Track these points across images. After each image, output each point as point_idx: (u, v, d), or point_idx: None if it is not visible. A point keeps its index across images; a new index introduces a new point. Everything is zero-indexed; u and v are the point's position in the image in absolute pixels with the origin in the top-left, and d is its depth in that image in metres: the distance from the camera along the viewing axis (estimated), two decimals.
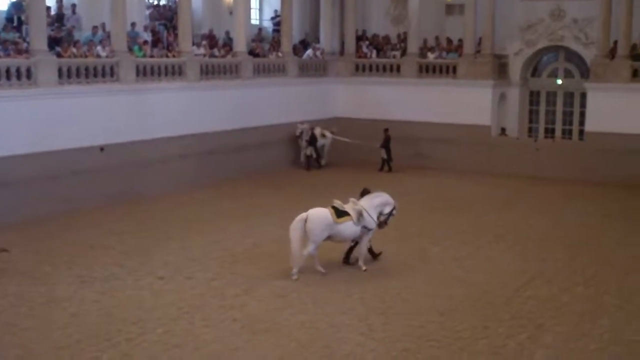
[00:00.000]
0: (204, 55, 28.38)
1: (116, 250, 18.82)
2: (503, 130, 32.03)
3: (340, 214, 16.72)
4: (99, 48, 24.61)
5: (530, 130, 32.66)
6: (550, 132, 32.25)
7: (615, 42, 29.17)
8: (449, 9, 34.36)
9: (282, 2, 31.99)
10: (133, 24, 27.03)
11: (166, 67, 26.41)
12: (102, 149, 23.95)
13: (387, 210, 17.34)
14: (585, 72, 30.75)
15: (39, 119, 22.21)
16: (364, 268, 17.20)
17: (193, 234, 20.52)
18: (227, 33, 30.99)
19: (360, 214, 16.83)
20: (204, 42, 28.93)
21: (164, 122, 25.83)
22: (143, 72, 25.54)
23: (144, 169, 25.20)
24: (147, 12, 30.62)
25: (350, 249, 17.67)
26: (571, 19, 30.89)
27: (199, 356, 12.59)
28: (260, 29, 34.04)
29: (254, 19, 35.19)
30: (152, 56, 26.42)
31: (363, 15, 35.81)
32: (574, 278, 16.96)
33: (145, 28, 28.46)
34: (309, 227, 16.45)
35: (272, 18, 35.29)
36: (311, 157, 31.13)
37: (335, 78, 34.06)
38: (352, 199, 17.19)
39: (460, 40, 32.47)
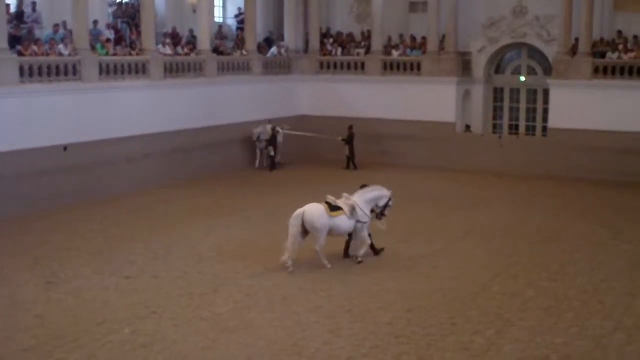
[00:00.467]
0: (171, 55, 28.15)
1: (81, 251, 18.62)
2: (468, 127, 32.24)
3: (333, 208, 17.18)
4: (61, 46, 24.32)
5: (494, 126, 32.90)
6: (514, 128, 32.51)
7: (577, 40, 29.48)
8: (413, 6, 34.45)
9: (245, 0, 31.85)
10: (95, 22, 26.76)
11: (130, 66, 26.17)
12: (65, 148, 23.68)
13: (382, 203, 17.86)
14: (547, 69, 31.04)
15: (0, 119, 21.89)
16: (359, 260, 17.61)
17: (158, 233, 20.38)
18: (191, 31, 30.80)
19: (353, 209, 17.26)
20: (168, 41, 28.71)
21: (128, 121, 25.59)
22: (106, 71, 25.30)
23: (108, 169, 24.97)
24: (110, 10, 30.34)
25: (348, 243, 18.02)
26: (533, 17, 31.16)
27: (166, 356, 12.48)
28: (220, 26, 33.82)
29: (218, 17, 35.02)
30: (115, 54, 26.15)
31: (327, 13, 35.79)
32: (540, 273, 17.10)
33: (108, 26, 28.18)
34: (308, 220, 16.89)
35: (236, 16, 35.18)
36: (275, 157, 30.60)
37: (300, 76, 34.02)
38: (345, 194, 17.59)
39: (424, 38, 32.61)
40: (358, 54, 33.59)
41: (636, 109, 27.74)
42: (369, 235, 17.90)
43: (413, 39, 33.37)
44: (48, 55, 23.82)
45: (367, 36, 34.20)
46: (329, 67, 33.89)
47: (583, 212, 23.42)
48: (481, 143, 31.04)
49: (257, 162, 30.71)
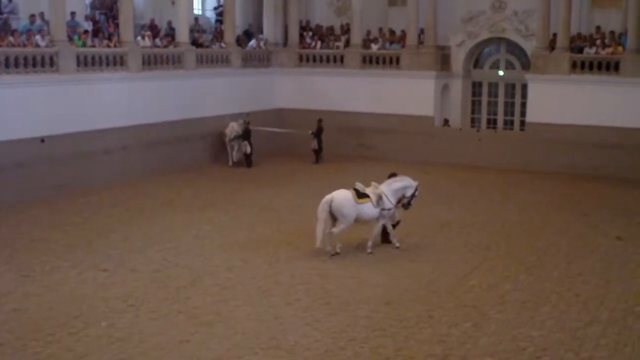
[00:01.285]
0: (149, 47, 27.99)
1: (58, 244, 18.51)
2: (446, 120, 32.33)
3: (360, 195, 17.68)
4: (38, 37, 24.11)
5: (472, 120, 33.00)
6: (492, 122, 32.64)
7: (555, 35, 29.62)
8: (392, 0, 34.50)
9: None
10: (73, 13, 26.54)
11: (107, 57, 26.01)
12: (42, 140, 23.51)
13: (409, 193, 18.37)
14: (526, 64, 31.16)
15: None
16: (397, 244, 18.34)
17: (136, 226, 20.31)
18: (170, 23, 30.62)
19: (379, 197, 17.79)
20: (148, 33, 28.53)
21: (105, 113, 25.46)
22: (84, 62, 25.14)
23: (86, 161, 24.82)
24: (87, 1, 30.09)
25: (384, 230, 18.53)
26: (512, 11, 31.25)
27: (144, 349, 12.45)
28: (196, 18, 33.63)
29: (197, 9, 34.85)
30: (93, 46, 25.96)
31: (306, 5, 35.77)
32: (516, 266, 17.21)
33: (86, 17, 27.97)
34: (336, 206, 17.37)
35: (215, 8, 35.03)
36: (251, 153, 29.55)
37: (279, 69, 33.97)
38: (373, 183, 18.09)
39: (403, 32, 32.64)
40: (337, 47, 33.56)
41: (613, 104, 27.90)
42: (398, 222, 18.67)
43: (392, 32, 33.41)
44: (25, 46, 23.61)
45: (346, 29, 34.19)
46: (308, 60, 33.85)
47: (560, 206, 23.56)
48: (459, 137, 31.15)
49: (231, 159, 29.86)
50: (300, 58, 33.91)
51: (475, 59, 33.09)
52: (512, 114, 32.22)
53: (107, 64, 25.99)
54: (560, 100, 28.80)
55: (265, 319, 13.80)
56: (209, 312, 14.08)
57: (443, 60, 32.13)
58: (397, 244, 18.40)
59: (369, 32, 33.65)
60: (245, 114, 30.70)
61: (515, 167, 29.17)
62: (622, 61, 28.15)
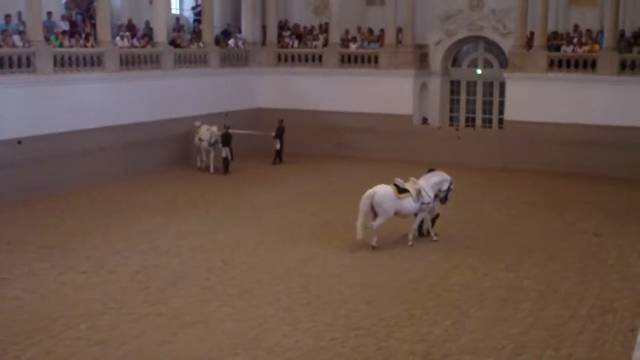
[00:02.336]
0: (127, 47, 27.85)
1: (36, 246, 18.38)
2: (425, 119, 32.42)
3: (400, 190, 18.29)
4: (15, 37, 23.92)
5: (451, 119, 33.13)
6: (470, 120, 32.79)
7: (532, 33, 29.76)
8: None
9: None
10: (49, 13, 26.37)
11: (85, 58, 25.86)
12: (19, 142, 23.33)
13: (444, 187, 19.03)
14: (503, 62, 31.33)
15: None
16: (435, 238, 18.94)
17: (115, 227, 20.21)
18: (147, 23, 30.48)
19: (419, 192, 18.44)
20: (127, 34, 28.38)
21: (83, 113, 25.30)
22: (61, 63, 24.97)
23: (63, 162, 24.62)
24: (63, 1, 29.90)
25: (421, 224, 19.17)
26: (489, 10, 31.42)
27: (124, 351, 12.40)
28: (177, 18, 33.53)
29: (175, 9, 34.73)
30: (70, 46, 25.79)
31: (285, 5, 35.71)
32: (496, 264, 17.29)
33: (62, 17, 27.79)
34: (377, 201, 17.99)
35: (193, 8, 34.90)
36: (231, 159, 28.10)
37: (257, 68, 33.90)
38: (412, 178, 18.76)
39: (381, 31, 32.69)
40: (315, 47, 33.55)
41: (590, 102, 28.13)
42: (437, 215, 19.34)
43: (370, 31, 33.45)
44: (1, 46, 23.41)
45: (324, 29, 34.18)
46: (286, 60, 33.81)
47: (538, 203, 23.70)
48: (438, 135, 31.25)
49: (204, 165, 28.42)
50: (279, 57, 33.87)
51: (454, 57, 33.23)
52: (491, 112, 32.40)
53: (85, 65, 25.84)
54: (538, 98, 28.97)
55: (246, 319, 13.78)
56: (190, 312, 14.05)
57: (421, 59, 32.23)
58: (435, 238, 19.00)
59: (347, 32, 33.66)
60: (224, 114, 30.58)
61: (494, 164, 29.32)
62: (599, 59, 28.36)
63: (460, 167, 29.07)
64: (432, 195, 18.75)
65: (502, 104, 31.17)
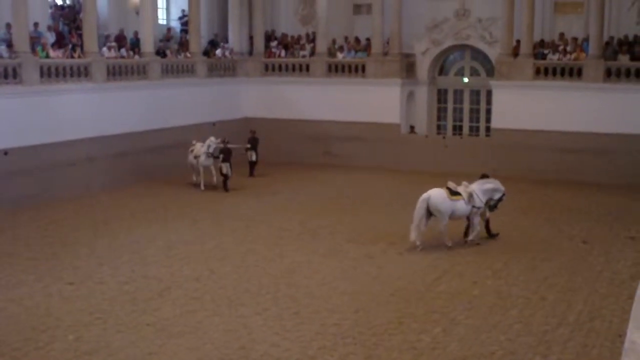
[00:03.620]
0: (114, 58, 27.80)
1: (23, 257, 18.28)
2: (412, 128, 32.48)
3: (453, 193, 19.02)
4: (2, 48, 23.85)
5: (438, 127, 33.22)
6: (458, 129, 32.87)
7: (519, 41, 29.90)
8: (357, 8, 34.66)
9: (189, 1, 31.63)
10: (36, 24, 26.32)
11: (71, 68, 25.83)
12: (5, 152, 23.25)
13: (497, 196, 19.74)
14: (490, 70, 31.45)
15: None
16: (475, 242, 19.47)
17: (103, 237, 20.13)
18: (136, 33, 30.43)
19: (470, 195, 19.09)
20: (114, 44, 28.35)
21: (70, 124, 25.23)
22: (47, 73, 24.93)
23: (50, 173, 24.57)
24: (50, 11, 29.84)
25: (467, 228, 19.66)
26: (476, 19, 31.55)
27: None
28: (169, 28, 33.58)
29: (162, 19, 34.72)
30: (57, 57, 25.72)
31: (272, 14, 35.79)
32: (484, 272, 17.31)
33: (49, 28, 27.74)
34: (433, 204, 18.72)
35: (180, 18, 34.89)
36: (227, 175, 26.55)
37: (244, 78, 33.92)
38: (464, 182, 19.49)
39: (368, 40, 32.76)
40: (303, 56, 33.60)
41: (576, 109, 28.26)
42: (488, 220, 19.88)
43: (357, 41, 33.52)
44: None
45: (311, 38, 34.24)
46: (273, 69, 33.86)
47: (525, 211, 23.74)
48: (425, 144, 31.31)
49: (202, 183, 26.82)
50: (266, 67, 33.91)
51: (440, 66, 33.33)
52: (478, 120, 32.49)
53: (71, 75, 25.80)
54: (524, 106, 29.09)
55: (234, 329, 13.73)
56: (178, 323, 13.99)
57: (408, 68, 32.32)
58: (472, 238, 19.46)
59: (334, 41, 33.73)
60: (212, 124, 30.57)
61: (482, 172, 29.25)
62: (585, 67, 28.53)
63: (448, 175, 28.93)
64: (483, 200, 19.38)
65: (489, 112, 31.27)
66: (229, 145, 26.84)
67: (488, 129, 31.34)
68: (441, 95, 33.32)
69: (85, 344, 12.98)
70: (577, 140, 28.06)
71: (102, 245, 19.30)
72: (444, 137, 31.87)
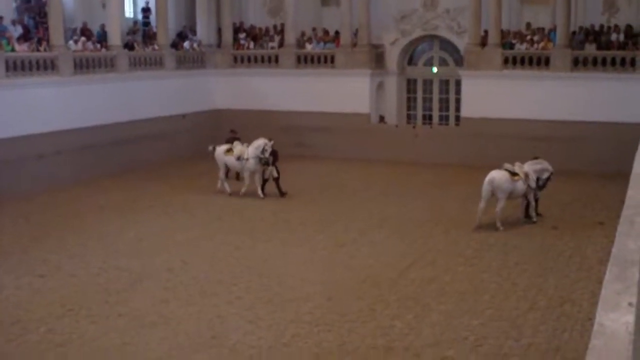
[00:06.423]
0: (81, 51, 27.54)
1: None
2: (382, 117, 32.55)
3: (513, 174, 19.92)
4: None
5: (408, 117, 33.29)
6: (428, 118, 32.98)
7: (487, 31, 30.05)
8: (325, 0, 34.60)
9: None
10: (0, 18, 25.98)
11: (38, 62, 25.54)
12: None
13: (545, 175, 20.58)
14: (459, 60, 31.57)
15: None
16: (535, 219, 20.56)
17: (72, 230, 19.97)
18: (102, 26, 30.13)
19: (526, 175, 20.02)
20: (82, 38, 28.07)
21: (37, 118, 24.94)
22: (13, 67, 24.62)
23: (18, 166, 24.30)
24: (14, 5, 29.48)
25: (527, 207, 20.71)
26: (444, 9, 31.64)
27: (84, 353, 12.27)
28: (135, 21, 33.30)
29: (128, 12, 34.39)
30: (23, 51, 25.42)
31: (240, 6, 35.62)
32: (455, 258, 17.42)
33: (14, 22, 27.39)
34: (498, 184, 19.61)
35: (143, 10, 34.39)
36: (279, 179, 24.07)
37: (213, 70, 33.75)
38: (517, 163, 20.36)
39: (337, 32, 32.74)
40: (272, 48, 33.51)
41: (544, 98, 28.45)
42: (537, 199, 20.72)
43: (326, 32, 33.49)
44: None
45: (280, 30, 34.15)
46: (242, 61, 33.73)
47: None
48: (396, 133, 31.38)
49: (244, 188, 23.97)
50: (235, 59, 33.77)
51: (409, 56, 33.41)
52: (447, 110, 32.62)
53: (38, 69, 25.51)
54: (493, 95, 29.22)
55: (207, 318, 13.70)
56: (150, 313, 13.93)
57: (377, 59, 32.35)
58: (535, 219, 20.56)
59: (303, 33, 33.67)
60: (181, 116, 30.44)
61: (452, 161, 29.45)
62: (552, 56, 28.73)
63: (418, 164, 29.34)
64: (534, 178, 20.21)
65: (458, 101, 31.39)
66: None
67: (458, 118, 31.48)
68: (410, 85, 33.39)
69: (57, 336, 12.90)
70: (544, 128, 28.25)
71: (72, 238, 19.14)
72: (414, 127, 31.96)
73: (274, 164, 23.74)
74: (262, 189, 23.83)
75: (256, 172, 23.87)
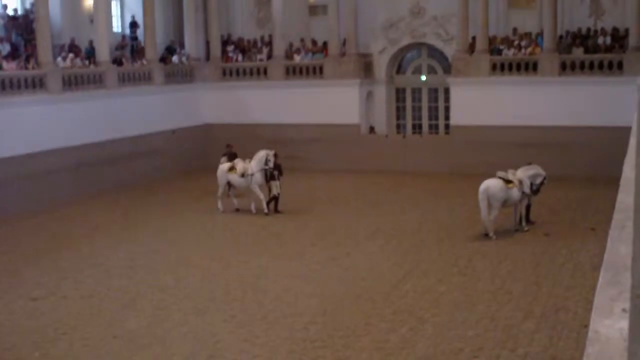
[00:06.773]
0: (69, 67, 27.48)
1: None
2: (372, 128, 32.55)
3: (507, 182, 19.94)
4: None
5: (398, 126, 33.31)
6: (417, 127, 32.99)
7: (474, 38, 30.11)
8: (313, 10, 34.67)
9: (144, 9, 31.38)
10: None
11: (26, 80, 25.48)
12: None
13: (538, 180, 20.62)
14: (447, 68, 31.60)
15: None
16: (526, 228, 20.45)
17: (65, 251, 19.88)
18: (91, 42, 30.08)
19: (520, 182, 20.04)
20: (71, 55, 28.02)
21: (27, 137, 24.80)
22: (2, 86, 24.55)
23: (7, 188, 24.09)
24: (1, 22, 29.41)
25: (525, 215, 20.72)
26: (431, 16, 31.69)
27: None
28: (123, 36, 33.27)
29: (116, 27, 34.33)
30: (11, 69, 25.35)
31: (227, 18, 35.61)
32: (449, 269, 17.42)
33: (1, 40, 27.34)
34: (492, 193, 19.60)
35: (131, 25, 34.36)
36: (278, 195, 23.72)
37: (202, 84, 33.71)
38: (510, 170, 20.41)
39: (325, 42, 32.76)
40: (260, 60, 33.50)
41: (533, 103, 28.50)
42: (529, 205, 20.77)
43: (314, 42, 33.52)
44: None
45: (268, 41, 34.15)
46: (231, 74, 33.71)
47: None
48: (386, 143, 31.36)
49: (253, 205, 23.67)
50: (224, 72, 33.75)
51: (398, 65, 33.44)
52: (437, 118, 32.65)
53: (27, 87, 25.45)
54: (482, 102, 29.26)
55: (202, 337, 13.67)
56: (145, 334, 13.88)
57: (366, 68, 32.39)
58: (527, 228, 20.49)
59: (291, 44, 33.69)
60: (171, 132, 30.39)
61: (442, 170, 29.46)
62: (540, 61, 28.83)
63: (409, 174, 29.35)
64: (528, 184, 20.25)
65: (447, 109, 31.43)
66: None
67: (447, 126, 31.50)
68: (399, 94, 33.41)
69: None
70: (534, 134, 28.29)
71: (65, 259, 19.04)
72: (404, 137, 31.95)
73: (278, 178, 23.47)
74: (268, 205, 23.45)
75: (264, 185, 23.57)
